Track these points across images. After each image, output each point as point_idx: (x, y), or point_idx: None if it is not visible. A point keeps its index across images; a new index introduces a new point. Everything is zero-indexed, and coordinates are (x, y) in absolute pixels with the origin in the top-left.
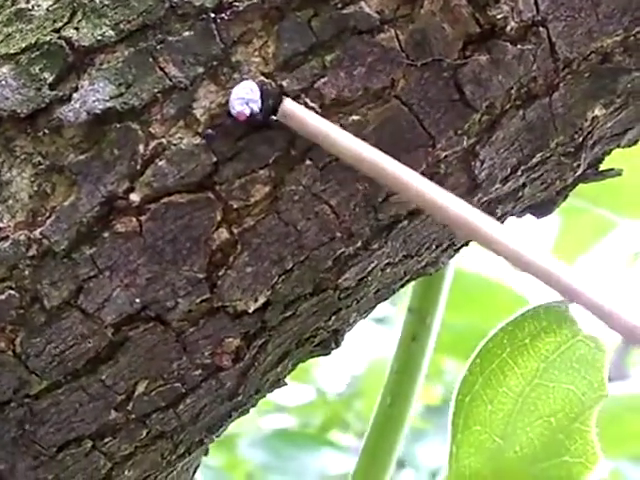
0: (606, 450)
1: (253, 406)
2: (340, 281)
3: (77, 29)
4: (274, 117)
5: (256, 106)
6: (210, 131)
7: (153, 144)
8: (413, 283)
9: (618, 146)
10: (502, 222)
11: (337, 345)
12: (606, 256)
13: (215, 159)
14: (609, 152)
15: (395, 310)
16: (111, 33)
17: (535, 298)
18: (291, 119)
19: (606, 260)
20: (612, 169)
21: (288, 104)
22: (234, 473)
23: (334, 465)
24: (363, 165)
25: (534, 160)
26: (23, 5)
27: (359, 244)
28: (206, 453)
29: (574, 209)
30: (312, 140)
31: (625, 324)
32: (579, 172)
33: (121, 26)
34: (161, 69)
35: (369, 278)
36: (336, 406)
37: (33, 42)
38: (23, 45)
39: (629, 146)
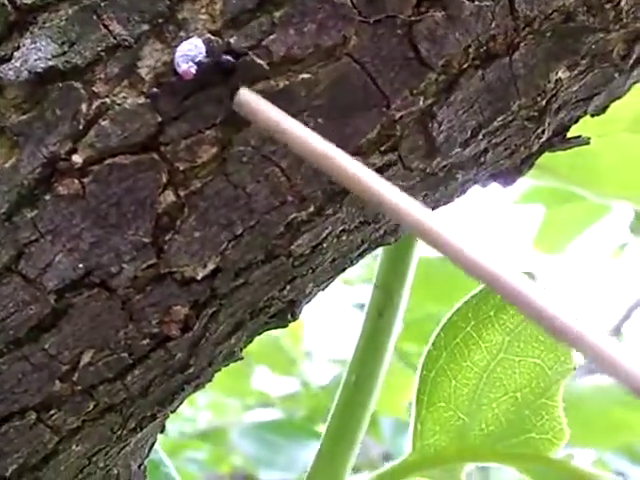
0: (594, 441)
1: (209, 381)
2: (293, 247)
3: None
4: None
5: (201, 63)
6: (155, 90)
7: (96, 104)
8: (380, 259)
9: (585, 112)
10: (466, 189)
11: (294, 317)
12: (590, 247)
13: (160, 119)
14: (576, 119)
15: None
16: None
17: None
18: (245, 109)
19: (590, 252)
20: (579, 136)
21: (243, 94)
22: (220, 466)
23: None
24: (316, 160)
25: (495, 123)
26: None
27: (312, 209)
28: (162, 430)
29: (558, 198)
30: (266, 131)
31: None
32: (544, 138)
33: None
34: (105, 27)
35: (324, 245)
36: (321, 398)
37: None
38: None
39: (597, 114)
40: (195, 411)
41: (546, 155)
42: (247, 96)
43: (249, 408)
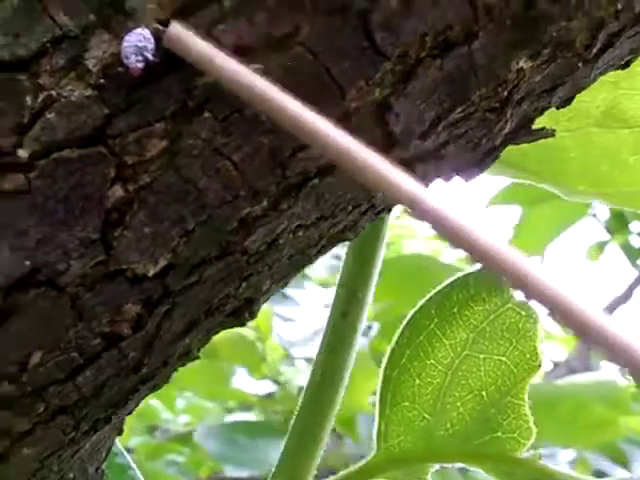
0: (574, 439)
1: (165, 382)
2: (247, 243)
3: None
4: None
5: (150, 55)
6: (102, 81)
7: (42, 96)
8: (345, 259)
9: (549, 104)
10: (427, 184)
11: (251, 316)
12: (568, 248)
13: (107, 111)
14: (541, 111)
15: None
16: None
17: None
18: (176, 44)
19: (568, 252)
20: (543, 128)
21: (174, 28)
22: (199, 469)
23: None
24: (247, 94)
25: (455, 115)
26: None
27: (265, 203)
28: (120, 433)
29: (534, 198)
30: (198, 66)
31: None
32: (507, 130)
33: None
34: (51, 18)
35: (280, 241)
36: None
37: None
38: None
39: (562, 106)
40: (174, 415)
41: (515, 151)
42: (178, 30)
43: (230, 411)
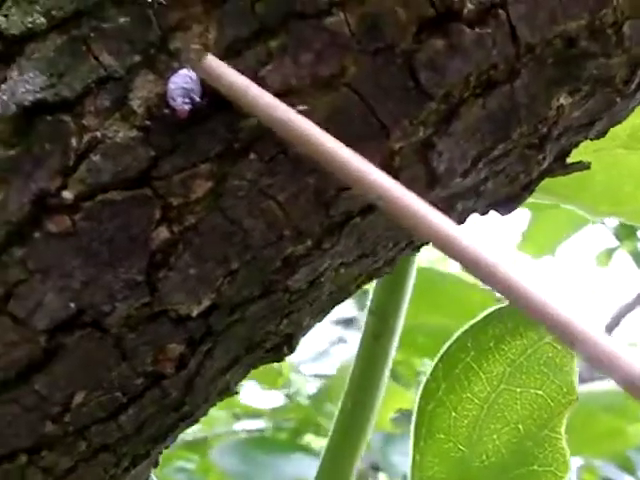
0: (581, 449)
1: (203, 415)
2: (290, 282)
3: (6, 16)
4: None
5: (197, 96)
6: (148, 123)
7: (87, 138)
8: (375, 284)
9: (586, 138)
10: (464, 219)
11: (290, 350)
12: (576, 254)
13: (153, 153)
14: (576, 144)
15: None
16: (42, 20)
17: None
18: (211, 76)
19: (576, 258)
20: (580, 162)
21: (210, 60)
22: (208, 476)
23: (308, 470)
24: (284, 130)
25: (496, 152)
26: None
27: (309, 243)
28: (155, 465)
29: (543, 204)
30: (234, 100)
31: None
32: (544, 165)
33: (53, 13)
34: (95, 58)
35: (321, 279)
36: (308, 409)
37: None
38: None
39: (597, 138)
40: None
41: None
42: (211, 61)
43: (238, 418)
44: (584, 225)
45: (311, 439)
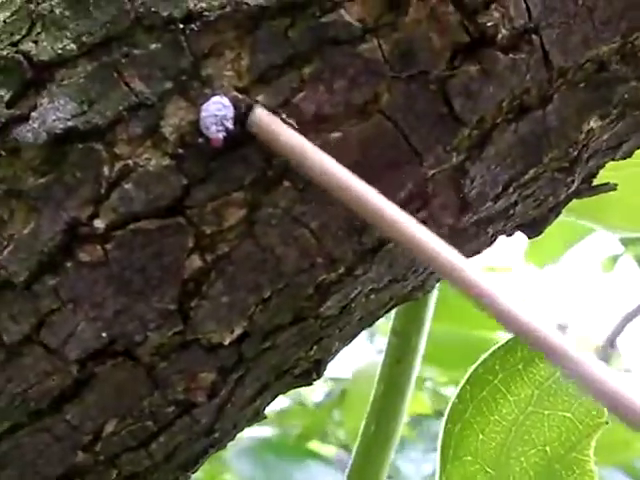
0: (596, 458)
1: (230, 440)
2: (322, 309)
3: (36, 42)
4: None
5: (230, 124)
6: (180, 151)
7: (119, 166)
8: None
9: (613, 159)
10: (493, 241)
11: (318, 375)
12: (581, 261)
13: (186, 181)
14: (603, 165)
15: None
16: (72, 47)
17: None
18: (260, 130)
19: (581, 265)
20: (606, 184)
21: (259, 113)
22: None
23: (318, 477)
24: (338, 192)
25: (527, 176)
26: None
27: (342, 270)
28: None
29: None
30: (282, 155)
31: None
32: (573, 188)
33: (83, 39)
34: (126, 84)
35: (353, 305)
36: (316, 415)
37: None
38: None
39: (624, 158)
40: None
41: None
42: (263, 117)
43: None
44: (590, 233)
45: (318, 446)
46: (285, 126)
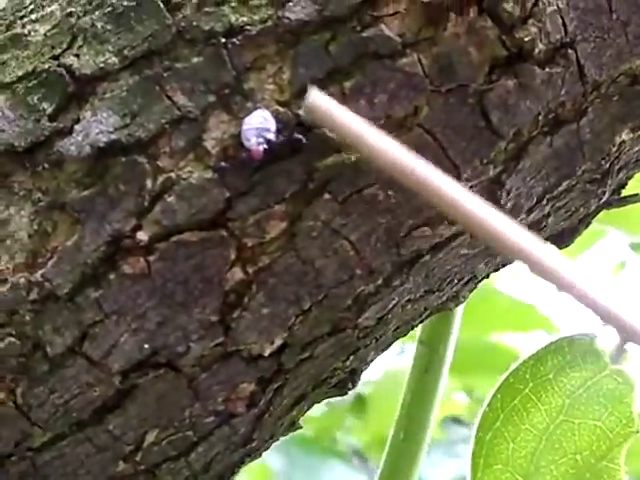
0: (627, 467)
1: (266, 449)
2: (360, 320)
3: (77, 56)
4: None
5: (272, 137)
6: (223, 164)
7: (161, 179)
8: None
9: None
10: None
11: (354, 385)
12: (591, 266)
13: (228, 194)
14: (632, 176)
15: None
16: (114, 60)
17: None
18: (317, 113)
19: (592, 269)
20: (636, 194)
21: (314, 95)
22: None
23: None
24: (401, 174)
25: (560, 188)
26: (19, 30)
27: (380, 281)
28: None
29: None
30: (340, 138)
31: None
32: (604, 198)
33: (125, 52)
34: (169, 98)
35: (389, 316)
36: (341, 413)
37: (30, 70)
38: (20, 73)
39: None
40: None
41: None
42: (319, 99)
43: None
44: (601, 237)
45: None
46: (342, 107)
